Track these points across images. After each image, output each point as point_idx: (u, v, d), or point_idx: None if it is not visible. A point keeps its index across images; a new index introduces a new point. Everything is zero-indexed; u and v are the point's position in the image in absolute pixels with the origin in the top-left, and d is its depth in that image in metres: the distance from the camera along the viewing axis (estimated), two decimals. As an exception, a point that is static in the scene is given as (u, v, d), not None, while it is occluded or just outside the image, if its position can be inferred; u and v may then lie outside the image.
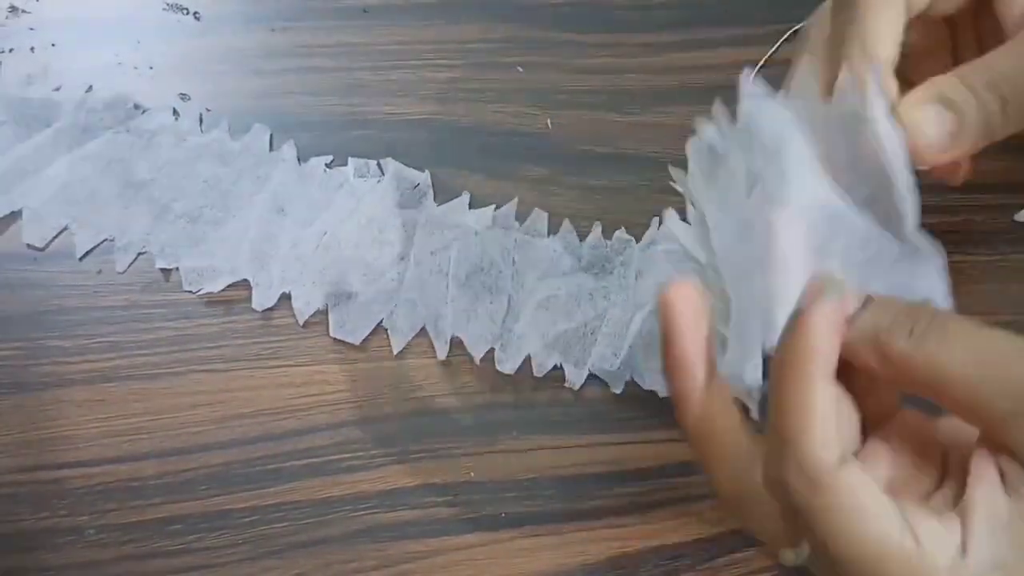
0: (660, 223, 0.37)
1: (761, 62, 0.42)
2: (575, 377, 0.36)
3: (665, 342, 0.22)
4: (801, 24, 0.43)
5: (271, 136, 0.40)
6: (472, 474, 0.35)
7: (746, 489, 0.23)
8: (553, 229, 0.38)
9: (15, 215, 0.38)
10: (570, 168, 0.40)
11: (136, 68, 0.41)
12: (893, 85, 0.26)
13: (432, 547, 0.34)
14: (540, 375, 0.36)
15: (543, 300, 0.37)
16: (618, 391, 0.36)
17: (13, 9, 0.41)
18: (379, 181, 0.39)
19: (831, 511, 0.20)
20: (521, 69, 0.42)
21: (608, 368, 0.36)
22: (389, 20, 0.43)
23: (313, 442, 0.35)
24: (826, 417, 0.20)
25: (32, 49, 0.40)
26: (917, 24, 0.27)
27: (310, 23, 0.42)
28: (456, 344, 0.36)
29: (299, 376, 0.36)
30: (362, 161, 0.39)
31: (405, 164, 0.39)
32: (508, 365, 0.36)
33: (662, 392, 0.35)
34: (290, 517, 0.34)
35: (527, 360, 0.36)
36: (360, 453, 0.35)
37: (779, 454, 0.21)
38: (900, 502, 0.21)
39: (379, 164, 0.39)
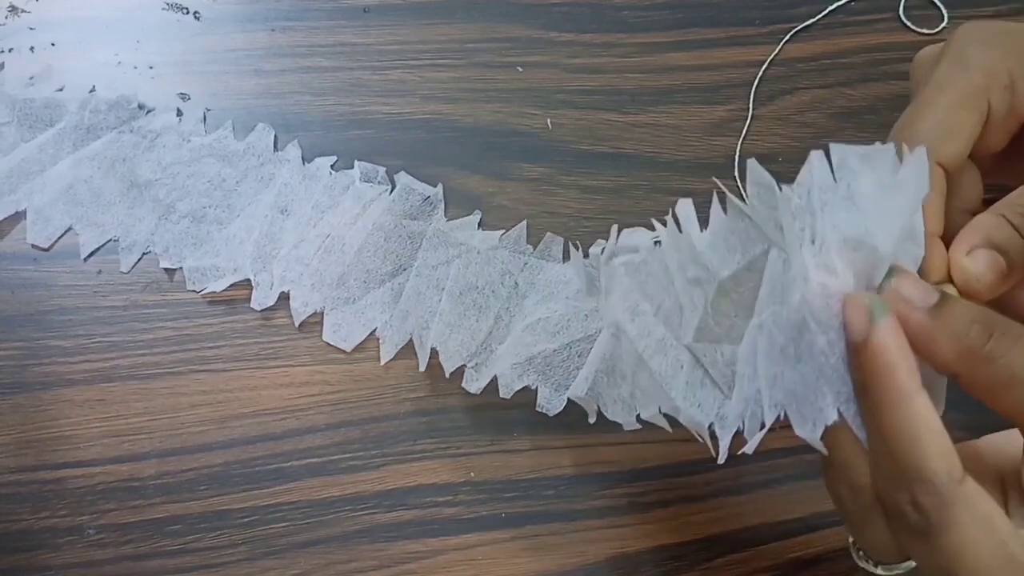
0: (618, 232, 0.31)
1: (764, 64, 0.42)
2: (549, 401, 0.34)
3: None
4: (801, 24, 0.43)
5: (275, 136, 0.40)
6: (472, 474, 0.35)
7: (860, 502, 0.23)
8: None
9: (19, 215, 0.38)
10: (569, 168, 0.40)
11: (136, 68, 0.41)
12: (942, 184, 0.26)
13: (432, 547, 0.34)
14: (507, 396, 0.34)
15: (533, 323, 0.35)
16: (591, 420, 0.33)
17: (13, 9, 0.41)
18: (389, 192, 0.38)
19: (958, 525, 0.20)
20: (521, 69, 0.42)
21: (579, 394, 0.32)
22: (389, 20, 0.43)
23: (313, 442, 0.35)
24: (936, 429, 0.20)
25: (32, 49, 0.40)
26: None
27: (310, 23, 0.42)
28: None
29: (299, 376, 0.36)
30: (369, 166, 0.39)
31: (404, 164, 0.39)
32: (475, 385, 0.35)
33: (627, 426, 0.30)
34: (289, 517, 0.34)
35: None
36: (360, 453, 0.35)
37: (896, 476, 0.21)
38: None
39: (388, 173, 0.39)
